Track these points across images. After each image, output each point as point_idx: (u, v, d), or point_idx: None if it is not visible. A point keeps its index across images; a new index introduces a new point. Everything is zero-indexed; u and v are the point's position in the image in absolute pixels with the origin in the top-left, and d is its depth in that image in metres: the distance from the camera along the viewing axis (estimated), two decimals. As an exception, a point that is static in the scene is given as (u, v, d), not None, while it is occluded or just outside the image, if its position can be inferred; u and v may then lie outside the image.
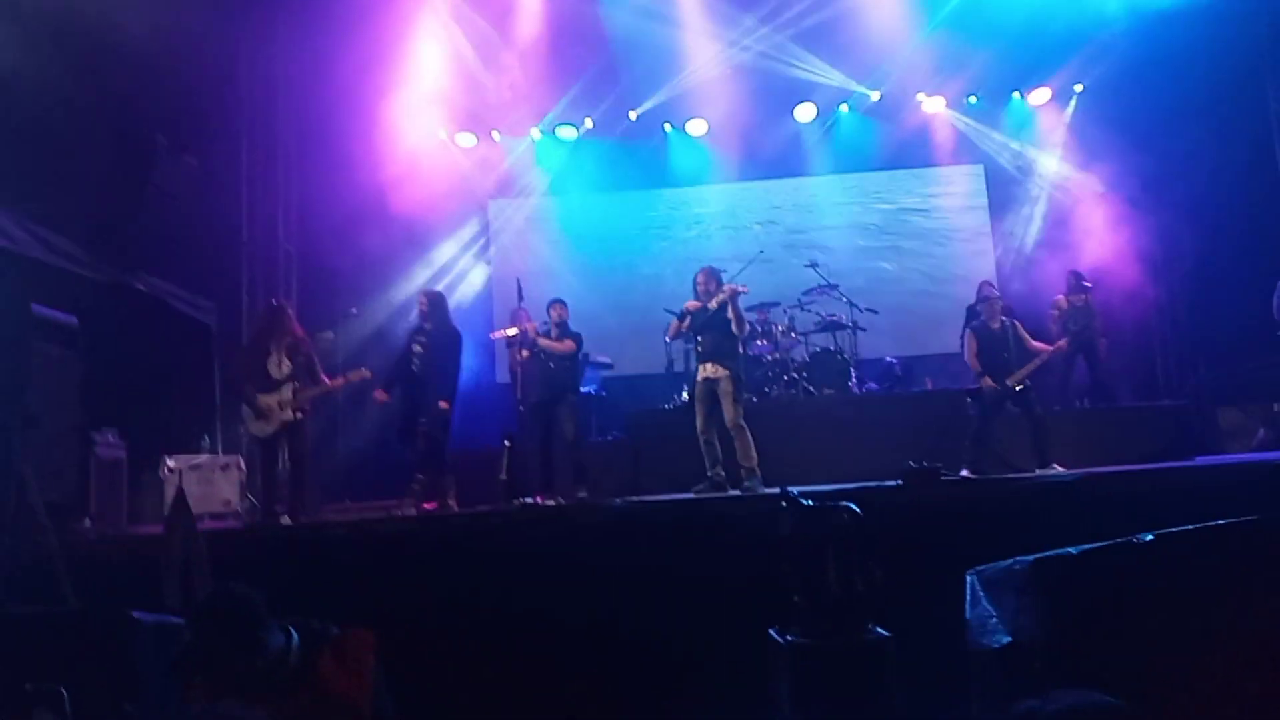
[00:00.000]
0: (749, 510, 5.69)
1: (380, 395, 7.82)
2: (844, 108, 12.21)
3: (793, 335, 10.06)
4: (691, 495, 7.16)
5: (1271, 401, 9.11)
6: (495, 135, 12.27)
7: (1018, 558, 3.49)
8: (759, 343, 9.85)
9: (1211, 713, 3.04)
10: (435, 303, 7.91)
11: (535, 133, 12.32)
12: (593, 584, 5.08)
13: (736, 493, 7.09)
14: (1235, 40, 10.21)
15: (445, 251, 12.22)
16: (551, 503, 7.46)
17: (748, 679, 4.20)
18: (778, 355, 9.85)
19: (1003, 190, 12.31)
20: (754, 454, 7.21)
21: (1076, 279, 9.86)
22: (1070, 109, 11.94)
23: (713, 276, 7.62)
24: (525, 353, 8.13)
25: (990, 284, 9.58)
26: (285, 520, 7.02)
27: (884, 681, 3.63)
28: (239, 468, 8.48)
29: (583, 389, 9.02)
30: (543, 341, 7.99)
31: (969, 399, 7.95)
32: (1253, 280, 9.86)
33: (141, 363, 8.48)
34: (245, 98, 10.63)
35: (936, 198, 12.46)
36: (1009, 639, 3.38)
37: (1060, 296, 9.90)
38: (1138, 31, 10.71)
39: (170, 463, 8.10)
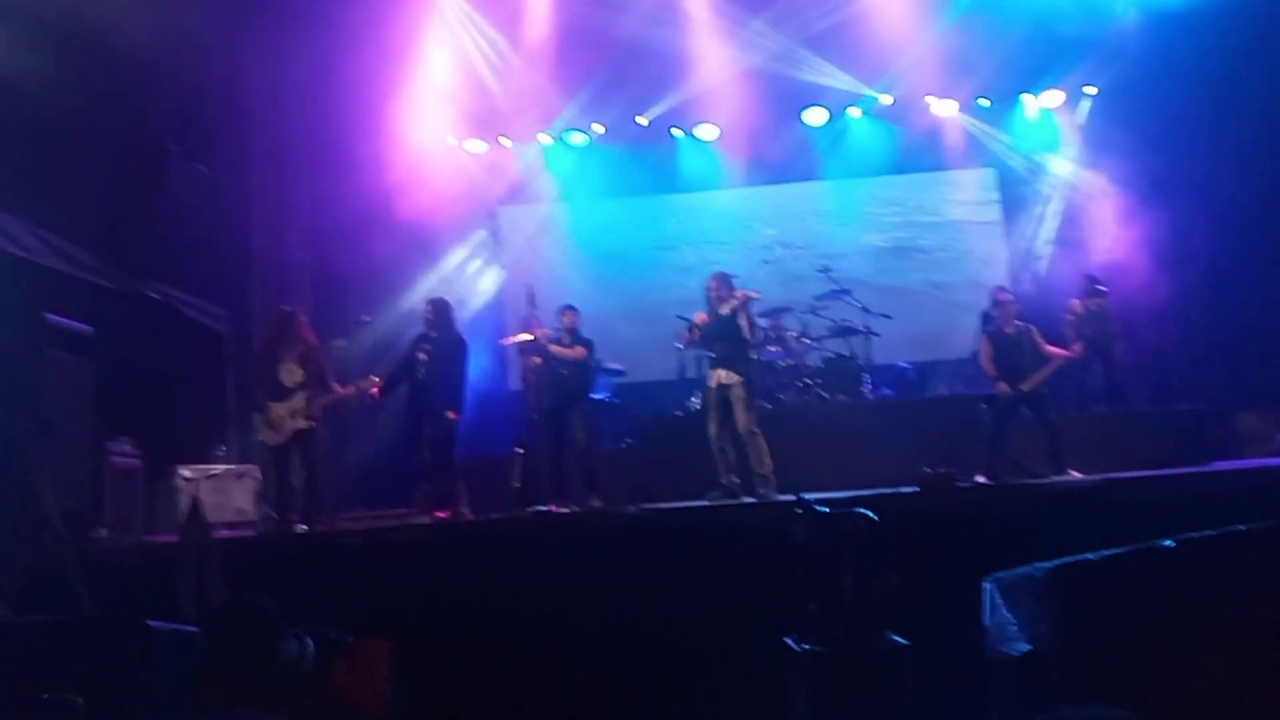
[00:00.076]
0: (763, 517, 5.68)
1: (374, 390, 7.58)
2: (854, 112, 12.17)
3: (805, 341, 10.02)
4: (705, 502, 7.14)
5: (1290, 405, 9.03)
6: (505, 141, 12.28)
7: (1036, 564, 3.47)
8: (771, 349, 9.82)
9: (1235, 721, 3.00)
10: (441, 310, 7.87)
11: (545, 139, 12.32)
12: (606, 591, 5.06)
13: (750, 500, 7.06)
14: (1247, 41, 10.15)
15: (456, 258, 12.24)
16: (564, 510, 7.45)
17: (763, 687, 4.18)
18: (790, 361, 9.82)
19: (1015, 193, 12.24)
20: (768, 460, 7.18)
21: (1091, 283, 9.81)
22: (1082, 111, 11.88)
23: (724, 282, 7.60)
24: (537, 359, 8.13)
25: (1004, 289, 9.53)
26: (300, 528, 7.02)
27: (901, 690, 3.61)
28: (254, 477, 8.49)
29: (595, 396, 9.01)
30: (554, 348, 7.99)
31: (984, 404, 7.90)
32: (1269, 283, 9.82)
33: (155, 371, 8.52)
34: (256, 106, 10.68)
35: (948, 201, 12.40)
36: (1028, 646, 3.35)
37: (1075, 301, 9.85)
38: (1149, 33, 10.67)
39: (185, 472, 8.11)
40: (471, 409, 11.00)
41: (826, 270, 10.57)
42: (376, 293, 10.92)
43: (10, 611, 4.82)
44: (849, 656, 3.64)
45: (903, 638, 3.70)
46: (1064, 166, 12.03)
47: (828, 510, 3.98)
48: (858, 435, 8.71)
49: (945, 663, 3.82)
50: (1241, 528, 3.37)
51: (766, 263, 8.37)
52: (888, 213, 12.46)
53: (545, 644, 4.95)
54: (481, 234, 12.52)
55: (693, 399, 9.56)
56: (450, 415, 7.43)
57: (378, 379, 7.50)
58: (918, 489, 5.94)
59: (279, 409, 7.09)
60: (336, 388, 7.35)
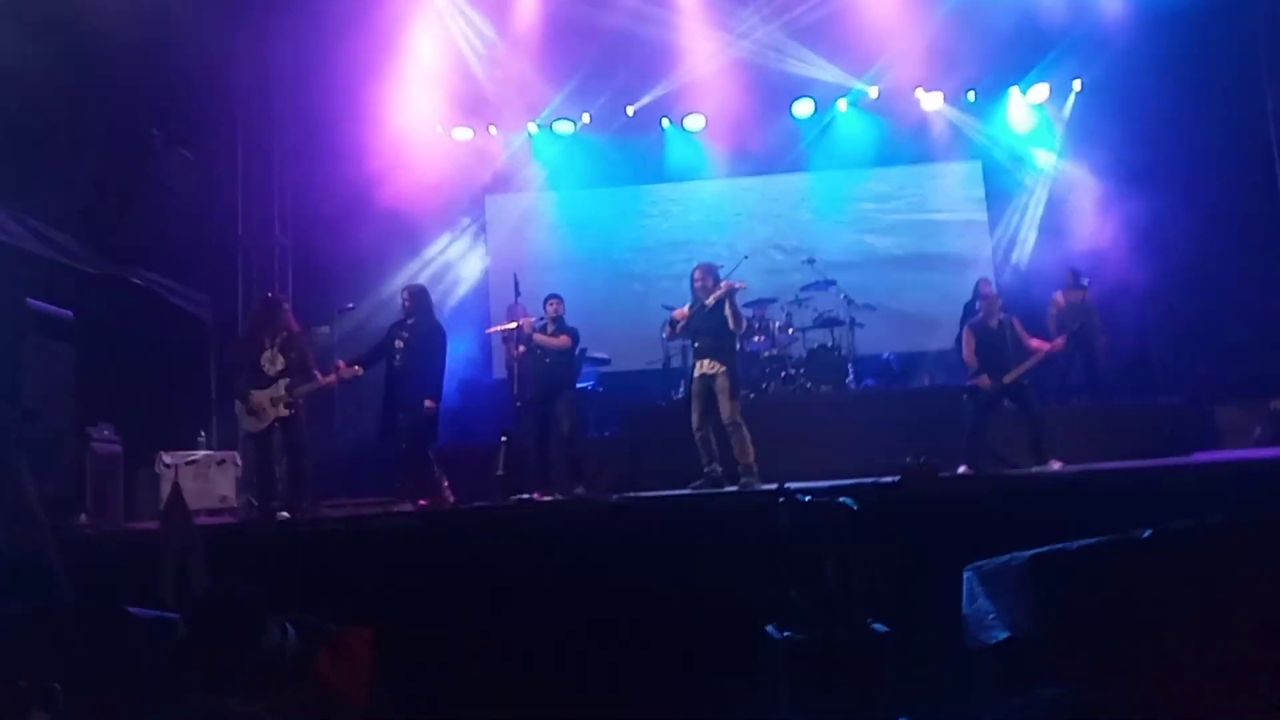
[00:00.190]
0: (746, 506, 5.69)
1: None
2: (842, 104, 12.19)
3: (790, 331, 10.06)
4: (688, 491, 7.16)
5: (1269, 398, 9.11)
6: (492, 130, 12.24)
7: (1015, 553, 3.49)
8: (756, 339, 9.85)
9: (1210, 708, 3.04)
10: (418, 297, 7.82)
11: (532, 127, 12.29)
12: (589, 580, 5.07)
13: (733, 489, 7.09)
14: (1232, 36, 10.22)
15: (441, 246, 12.21)
16: (548, 499, 7.46)
17: (745, 675, 4.20)
18: (775, 351, 9.85)
19: (1000, 186, 12.30)
20: (751, 450, 7.21)
21: (1074, 276, 9.89)
22: (1068, 105, 11.93)
23: (710, 273, 7.61)
24: (521, 348, 8.11)
25: (988, 281, 9.58)
26: (282, 515, 7.00)
27: (882, 677, 3.63)
28: (235, 463, 8.47)
29: (580, 385, 9.02)
30: (539, 337, 7.98)
31: (966, 395, 7.95)
32: (1251, 277, 9.90)
33: (137, 357, 8.47)
34: (240, 92, 10.61)
35: (934, 193, 12.44)
36: (1006, 634, 3.38)
37: (1058, 293, 9.92)
38: (1136, 28, 10.72)
39: (166, 458, 8.09)
40: (455, 397, 11.04)
41: (811, 261, 10.61)
42: (361, 280, 10.89)
43: (-11, 598, 4.79)
44: (830, 644, 3.66)
45: (884, 626, 3.73)
46: (1049, 160, 12.09)
47: (810, 500, 4.00)
48: (841, 425, 8.76)
49: (926, 651, 3.84)
50: (1218, 519, 3.41)
51: (746, 257, 8.34)
52: (873, 204, 12.49)
53: (528, 632, 4.95)
54: (466, 222, 12.48)
55: (677, 389, 9.58)
56: (428, 404, 7.40)
57: (360, 368, 7.46)
58: (900, 479, 5.96)
59: (261, 396, 7.07)
60: (319, 376, 7.31)
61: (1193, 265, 10.74)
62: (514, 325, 8.18)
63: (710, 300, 7.41)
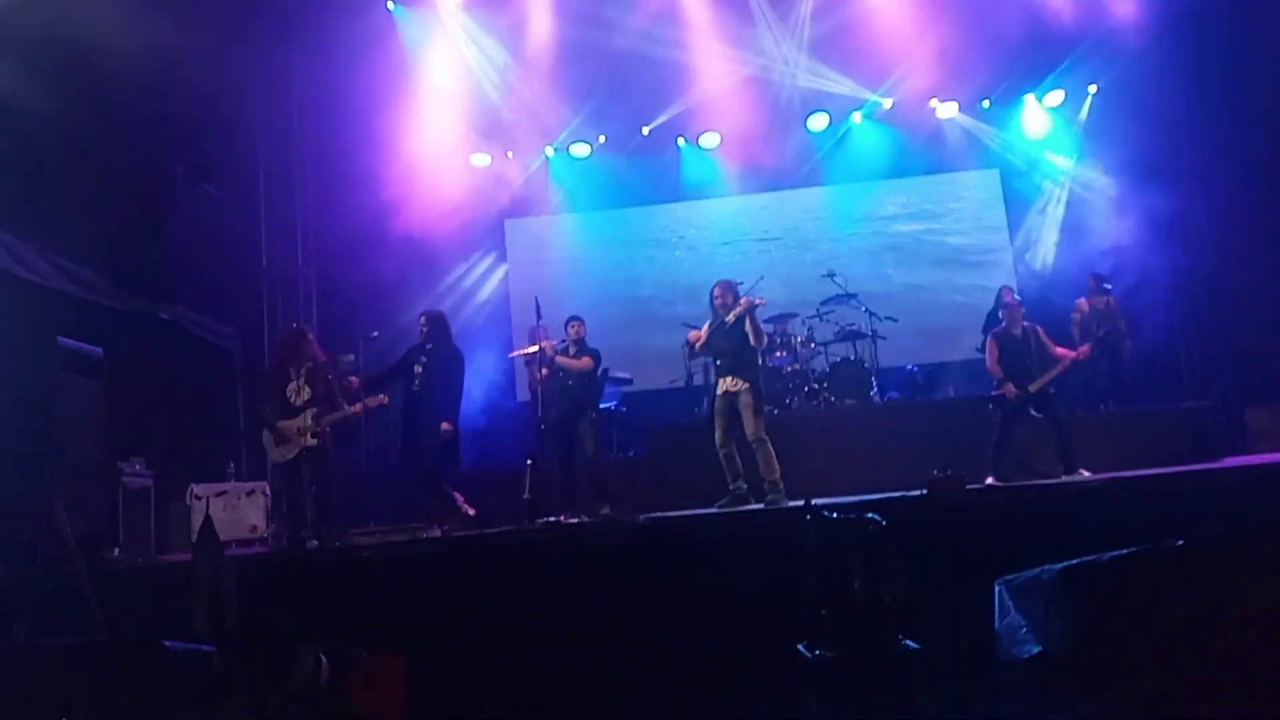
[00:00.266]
0: (772, 524, 5.68)
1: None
2: (857, 116, 12.21)
3: (812, 346, 10.04)
4: (714, 510, 7.14)
5: (1299, 399, 9.00)
6: (509, 154, 12.34)
7: (1046, 566, 3.46)
8: (778, 354, 9.83)
9: (1248, 721, 3.00)
10: (436, 323, 7.88)
11: (549, 150, 12.38)
12: (617, 601, 5.07)
13: (759, 506, 7.07)
14: (1249, 35, 10.15)
15: (462, 271, 12.30)
16: (574, 521, 7.46)
17: (776, 694, 4.18)
18: (797, 366, 9.83)
19: (1019, 193, 12.25)
20: (776, 467, 7.18)
21: (1097, 282, 9.81)
22: (1085, 109, 11.88)
23: (729, 289, 7.61)
24: (544, 371, 8.14)
25: (1010, 289, 9.55)
26: (311, 544, 7.05)
27: (913, 694, 3.60)
28: (264, 493, 8.55)
29: (603, 405, 9.03)
30: (561, 359, 8.00)
31: (991, 405, 7.89)
32: (1276, 276, 9.78)
33: (166, 391, 8.59)
34: (261, 125, 10.77)
35: (953, 203, 12.41)
36: (1039, 648, 3.35)
37: (1081, 299, 9.85)
38: (1150, 30, 10.66)
39: (197, 490, 8.18)
40: (480, 421, 11.09)
41: (831, 275, 10.59)
42: (385, 308, 10.97)
43: (26, 634, 4.85)
44: (862, 662, 3.63)
45: (914, 642, 3.70)
46: (1067, 164, 12.03)
47: (837, 516, 3.98)
48: (866, 439, 8.71)
49: (957, 666, 3.81)
50: (1251, 526, 3.37)
51: (763, 278, 8.31)
52: (892, 216, 12.48)
53: (556, 653, 4.95)
54: (486, 247, 12.57)
55: (701, 407, 9.57)
56: (445, 427, 7.45)
57: (385, 397, 7.52)
58: (926, 492, 5.92)
59: (288, 426, 7.13)
60: (345, 405, 7.37)
61: (1216, 267, 10.65)
62: (536, 348, 8.22)
63: (730, 317, 7.41)
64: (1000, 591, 3.66)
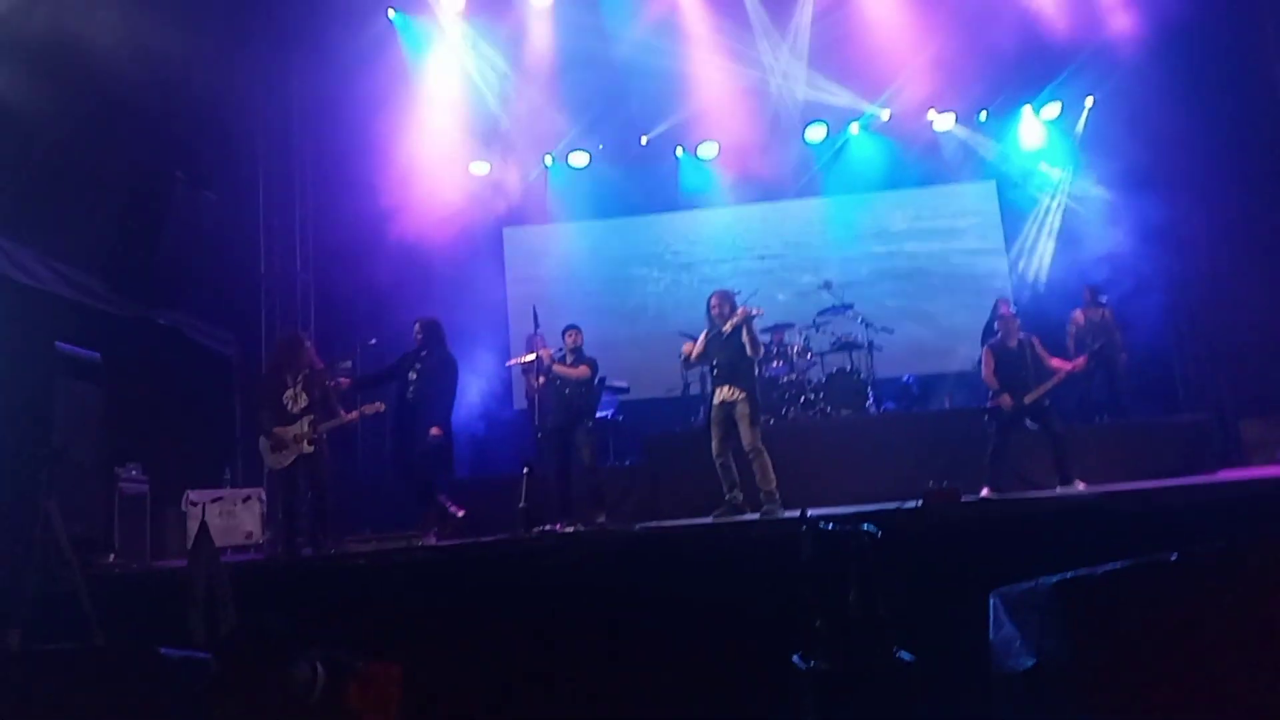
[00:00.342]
0: (768, 534, 5.68)
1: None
2: (854, 128, 12.26)
3: (808, 356, 10.07)
4: (710, 519, 7.15)
5: (1294, 412, 9.03)
6: (508, 163, 12.37)
7: (1041, 578, 3.47)
8: (775, 364, 9.86)
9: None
10: (430, 329, 7.91)
11: (548, 159, 12.42)
12: (612, 610, 5.07)
13: (755, 516, 7.08)
14: (1246, 50, 10.22)
15: (461, 280, 12.30)
16: (570, 529, 7.47)
17: (771, 705, 4.19)
18: (794, 376, 9.85)
19: (1015, 205, 12.31)
20: (772, 477, 7.20)
21: (1092, 294, 9.85)
22: (1081, 121, 11.94)
23: (726, 299, 7.63)
24: (541, 379, 8.16)
25: (1006, 301, 9.57)
26: (306, 551, 7.04)
27: (908, 706, 3.61)
28: (260, 500, 8.54)
29: (599, 414, 9.04)
30: (558, 368, 8.02)
31: (987, 417, 7.92)
32: (1272, 289, 9.82)
33: (163, 396, 8.58)
34: (261, 132, 10.80)
35: (949, 214, 12.46)
36: (1033, 661, 3.36)
37: (1077, 311, 9.88)
38: (1146, 43, 10.71)
39: (193, 496, 8.17)
40: (477, 429, 11.10)
41: (828, 285, 10.62)
42: (383, 315, 10.99)
43: (21, 640, 4.85)
44: (856, 673, 3.64)
45: (909, 654, 3.71)
46: (1063, 177, 12.08)
47: (832, 527, 4.00)
48: (861, 450, 8.74)
49: (952, 679, 3.82)
50: (1246, 540, 3.38)
51: (756, 291, 8.30)
52: (888, 227, 12.52)
53: (551, 663, 4.95)
54: (486, 255, 12.57)
55: (697, 416, 9.59)
56: (434, 432, 7.46)
57: (381, 405, 7.54)
58: (922, 503, 5.93)
59: (284, 433, 7.13)
60: (341, 412, 7.38)
61: (1213, 279, 10.69)
62: (533, 357, 8.24)
63: (727, 327, 7.43)
64: (995, 604, 3.66)
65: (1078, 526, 5.30)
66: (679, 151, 12.41)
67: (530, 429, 8.41)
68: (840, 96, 11.88)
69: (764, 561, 4.95)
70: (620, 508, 8.48)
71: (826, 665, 3.70)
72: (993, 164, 12.32)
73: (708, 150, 12.31)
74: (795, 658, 3.85)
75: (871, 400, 9.70)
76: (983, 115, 12.06)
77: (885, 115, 12.04)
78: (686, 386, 10.27)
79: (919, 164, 12.37)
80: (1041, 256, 12.02)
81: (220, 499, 8.31)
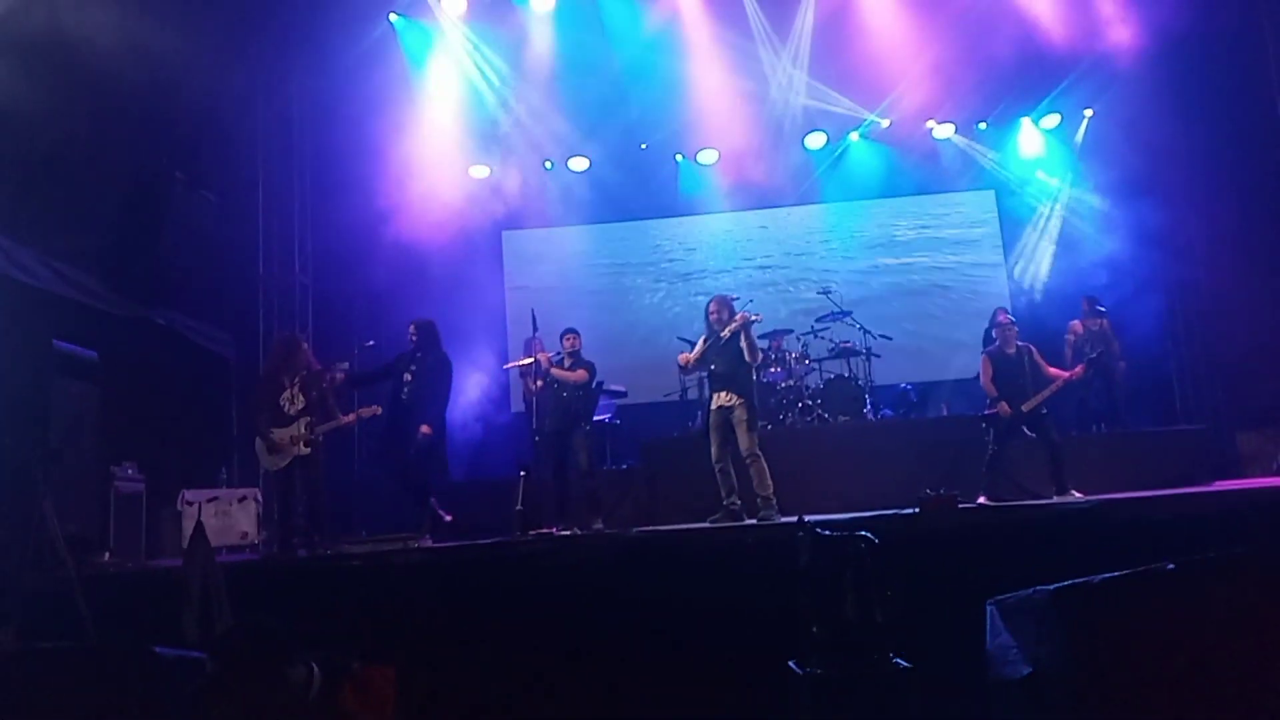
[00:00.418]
0: (765, 540, 5.68)
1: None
2: (854, 135, 12.29)
3: (806, 362, 10.07)
4: (707, 525, 7.14)
5: (1290, 424, 9.05)
6: (508, 166, 12.36)
7: (1038, 587, 3.48)
8: (773, 370, 9.86)
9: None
10: (425, 330, 7.92)
11: (547, 164, 12.42)
12: (608, 615, 5.07)
13: (752, 522, 7.07)
14: (1245, 61, 10.24)
15: (459, 283, 12.30)
16: (566, 532, 7.46)
17: (767, 711, 4.18)
18: (792, 383, 9.85)
19: (1013, 214, 12.35)
20: (769, 483, 7.20)
21: (1091, 304, 9.86)
22: (1080, 132, 11.97)
23: (725, 305, 7.64)
24: (539, 382, 8.16)
25: (1005, 310, 9.59)
26: (302, 552, 7.03)
27: (905, 713, 3.60)
28: (256, 500, 8.53)
29: (597, 418, 9.04)
30: (556, 371, 8.01)
31: (984, 425, 7.92)
32: (1271, 301, 9.84)
33: (160, 396, 8.57)
34: (261, 133, 10.79)
35: (948, 223, 12.50)
36: (1030, 669, 3.36)
37: (1075, 321, 9.90)
38: (1146, 55, 10.75)
39: (188, 496, 8.15)
40: (474, 432, 11.09)
41: (827, 292, 10.64)
42: (381, 317, 10.99)
43: (15, 638, 4.83)
44: (852, 679, 3.64)
45: (905, 660, 3.71)
46: (1061, 187, 12.11)
47: (829, 533, 4.00)
48: (859, 456, 8.74)
49: (948, 686, 3.82)
50: (1242, 550, 3.39)
51: (752, 300, 8.29)
52: (887, 235, 12.56)
53: (546, 667, 4.94)
54: (485, 258, 12.58)
55: (695, 420, 9.59)
56: (424, 430, 7.46)
57: (378, 408, 7.53)
58: (919, 510, 5.94)
59: (281, 434, 7.13)
60: (339, 414, 7.37)
61: (1210, 290, 10.71)
62: (531, 360, 8.24)
63: (726, 333, 7.43)
64: (992, 612, 3.67)
65: (1074, 535, 5.31)
66: (678, 157, 12.42)
67: (528, 432, 8.41)
68: (840, 104, 11.90)
69: (761, 567, 4.95)
70: (617, 512, 8.47)
71: (823, 671, 3.70)
72: (992, 173, 12.36)
73: (707, 156, 12.32)
74: (792, 663, 3.85)
75: (869, 407, 9.70)
76: (982, 125, 12.10)
77: (885, 124, 12.06)
78: (684, 391, 10.27)
79: (918, 172, 12.40)
80: (1039, 265, 12.05)
81: (216, 499, 8.30)
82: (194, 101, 8.60)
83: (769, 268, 12.33)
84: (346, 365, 9.13)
